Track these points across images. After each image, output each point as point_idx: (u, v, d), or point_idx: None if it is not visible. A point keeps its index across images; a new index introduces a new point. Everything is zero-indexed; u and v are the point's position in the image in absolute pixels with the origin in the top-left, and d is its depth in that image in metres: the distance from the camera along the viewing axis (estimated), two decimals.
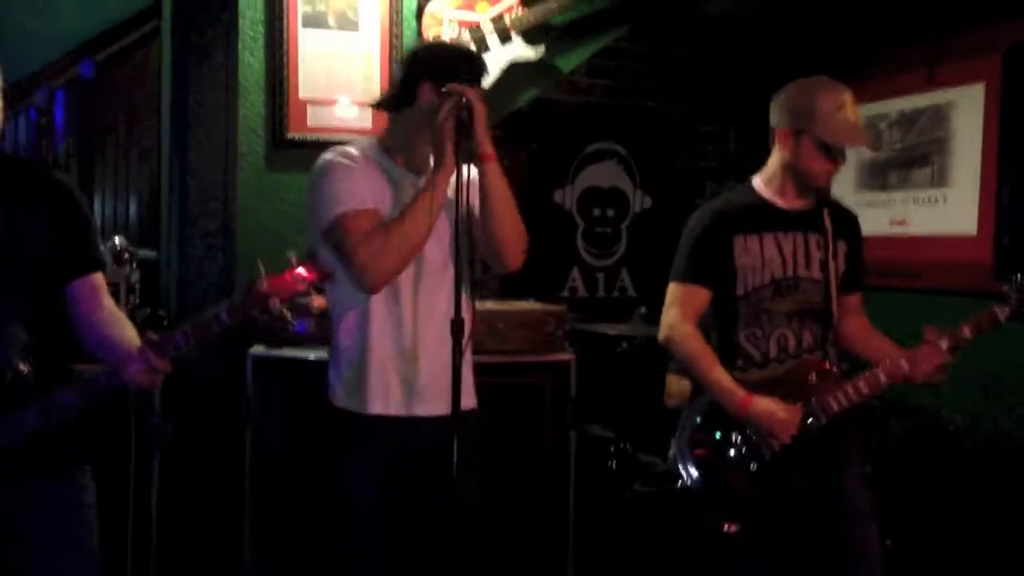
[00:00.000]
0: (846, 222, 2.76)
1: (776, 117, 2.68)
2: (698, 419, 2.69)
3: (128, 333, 2.09)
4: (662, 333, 2.71)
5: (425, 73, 2.34)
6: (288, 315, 2.00)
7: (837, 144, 2.59)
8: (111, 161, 4.44)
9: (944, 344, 2.53)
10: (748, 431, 2.60)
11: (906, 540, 3.81)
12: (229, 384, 3.22)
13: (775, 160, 2.70)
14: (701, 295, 2.68)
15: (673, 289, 2.71)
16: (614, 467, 3.71)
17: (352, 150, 2.40)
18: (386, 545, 2.39)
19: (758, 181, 2.74)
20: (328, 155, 2.39)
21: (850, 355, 2.79)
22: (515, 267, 2.46)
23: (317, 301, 2.00)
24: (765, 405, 2.55)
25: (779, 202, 2.69)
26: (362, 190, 2.32)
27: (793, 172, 2.65)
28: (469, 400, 2.48)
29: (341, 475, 2.39)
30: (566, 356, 3.57)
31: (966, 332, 2.53)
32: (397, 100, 2.40)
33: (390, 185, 2.38)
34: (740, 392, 2.57)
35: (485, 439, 2.50)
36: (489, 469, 2.52)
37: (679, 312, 2.67)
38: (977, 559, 3.31)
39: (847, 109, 2.60)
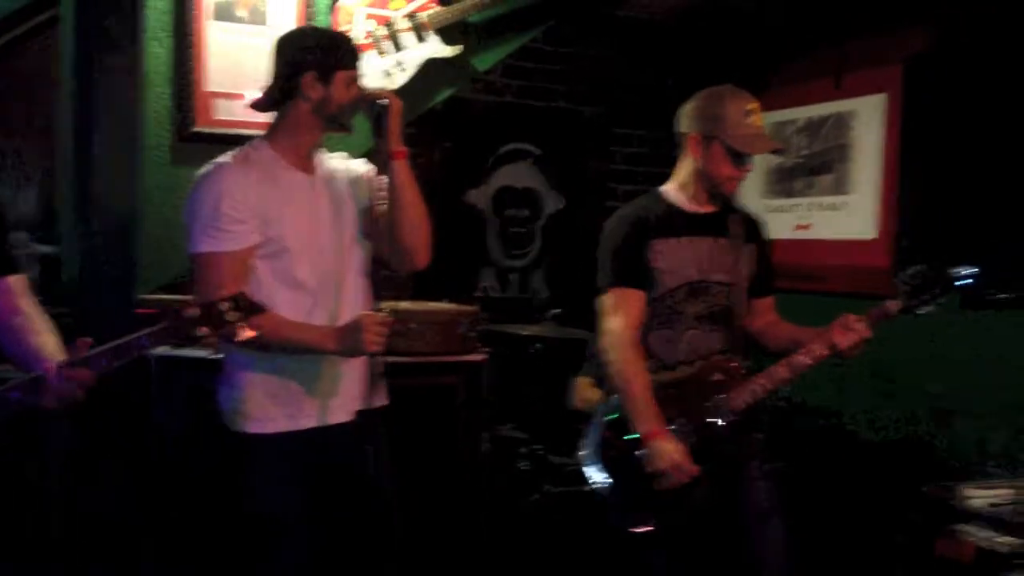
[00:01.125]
0: (753, 227, 2.82)
1: (686, 124, 2.72)
2: (608, 420, 2.72)
3: (48, 342, 2.01)
4: (603, 340, 2.69)
5: (306, 63, 2.31)
6: (214, 344, 1.95)
7: (745, 151, 2.65)
8: (9, 154, 4.27)
9: (864, 323, 2.58)
10: (646, 462, 2.60)
11: (810, 535, 3.91)
12: (132, 384, 3.13)
13: (686, 166, 2.75)
14: (637, 297, 2.68)
15: (607, 298, 2.70)
16: (525, 468, 3.72)
17: (245, 159, 2.34)
18: (308, 557, 2.35)
19: (669, 187, 2.79)
20: (218, 168, 2.32)
21: (765, 352, 2.83)
22: (420, 267, 2.45)
23: (246, 332, 1.95)
24: (670, 447, 2.56)
25: (690, 207, 2.74)
26: (242, 220, 2.26)
27: (703, 178, 2.70)
28: (381, 399, 2.46)
29: (256, 497, 2.35)
30: (479, 357, 3.57)
31: (865, 325, 2.59)
32: (282, 95, 2.36)
33: (280, 188, 2.34)
34: (654, 423, 2.58)
35: (391, 439, 2.49)
36: (398, 472, 2.51)
37: (622, 319, 2.66)
38: (876, 552, 3.43)
39: (754, 117, 2.66)
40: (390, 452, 2.49)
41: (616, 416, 2.70)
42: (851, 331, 2.57)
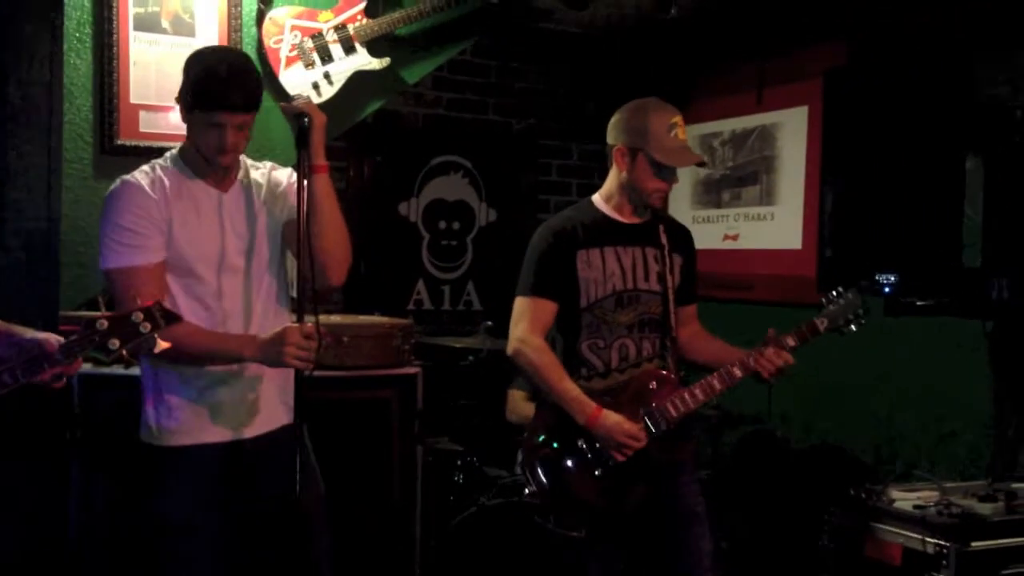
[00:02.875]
0: (680, 237, 2.87)
1: (612, 136, 2.76)
2: (543, 430, 2.73)
3: None
4: (511, 346, 2.73)
5: (181, 89, 2.29)
6: (127, 355, 1.90)
7: (669, 164, 2.69)
8: None
9: (789, 343, 2.66)
10: (592, 440, 2.65)
11: (740, 540, 3.97)
12: (54, 402, 3.03)
13: (613, 178, 2.79)
14: (548, 308, 2.72)
15: (520, 304, 2.74)
16: (461, 480, 3.70)
17: (154, 175, 2.32)
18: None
19: (598, 197, 2.82)
20: (124, 184, 2.30)
21: (688, 362, 2.89)
22: (338, 283, 2.42)
23: (161, 343, 1.92)
24: (614, 419, 2.62)
25: (618, 218, 2.78)
26: (147, 235, 2.25)
27: (630, 189, 2.74)
28: (286, 416, 2.43)
29: (164, 511, 2.32)
30: (412, 369, 3.55)
31: (791, 341, 2.68)
32: (185, 110, 2.33)
33: (187, 202, 2.32)
34: (591, 405, 2.63)
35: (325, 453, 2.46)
36: (332, 485, 2.48)
37: (527, 326, 2.71)
38: (804, 555, 3.49)
39: (678, 130, 2.71)
40: (317, 467, 2.46)
41: (549, 425, 2.72)
42: (776, 360, 2.64)
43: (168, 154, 2.39)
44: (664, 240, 2.78)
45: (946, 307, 3.49)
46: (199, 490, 2.32)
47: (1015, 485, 3.16)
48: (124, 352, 1.89)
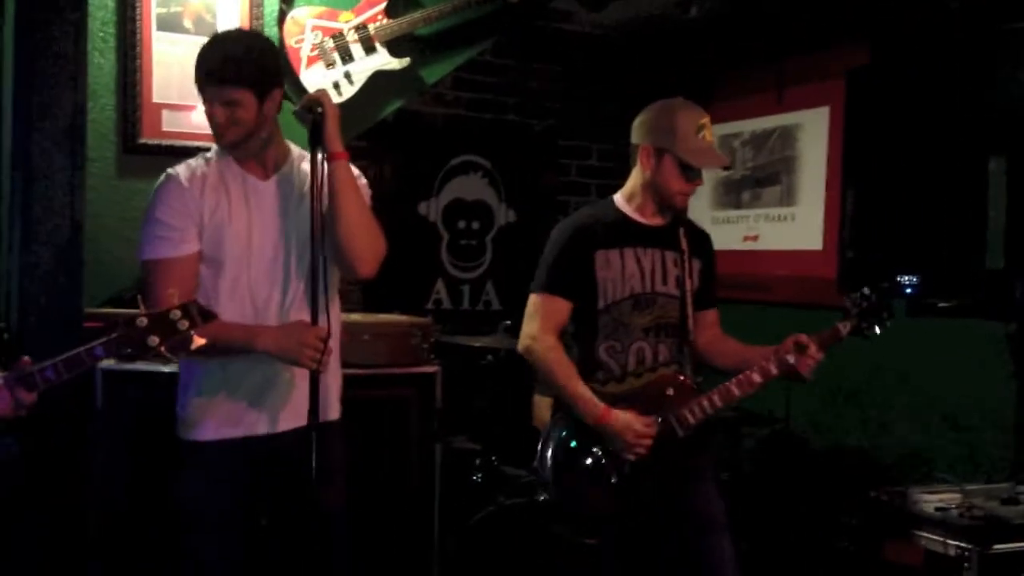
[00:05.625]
0: (701, 241, 2.84)
1: (638, 135, 2.73)
2: (561, 433, 2.71)
3: None
4: (522, 343, 2.72)
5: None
6: (166, 352, 1.95)
7: (696, 165, 2.66)
8: None
9: (813, 352, 2.62)
10: (608, 444, 2.63)
11: (759, 542, 3.95)
12: (77, 398, 3.06)
13: (636, 178, 2.75)
14: (562, 307, 2.70)
15: (534, 300, 2.72)
16: (479, 480, 3.71)
17: (196, 167, 2.36)
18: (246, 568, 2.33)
19: (619, 197, 2.79)
20: (166, 178, 2.36)
21: (707, 367, 2.86)
22: (368, 274, 2.40)
23: (197, 340, 1.95)
24: (623, 418, 2.59)
25: (639, 218, 2.75)
26: (181, 228, 2.29)
27: (653, 190, 2.71)
28: (333, 412, 2.44)
29: (192, 502, 2.34)
30: (431, 368, 3.55)
31: (814, 350, 2.62)
32: None
33: (241, 195, 2.34)
34: (600, 405, 2.61)
35: (344, 452, 2.46)
36: (351, 483, 2.49)
37: (539, 324, 2.68)
38: (825, 558, 3.47)
39: (705, 131, 2.68)
40: (343, 466, 2.46)
41: (567, 428, 2.70)
42: (807, 356, 2.60)
43: (215, 149, 2.43)
44: (684, 244, 2.75)
45: (968, 309, 3.46)
46: (222, 486, 2.33)
47: None
48: (163, 349, 1.93)
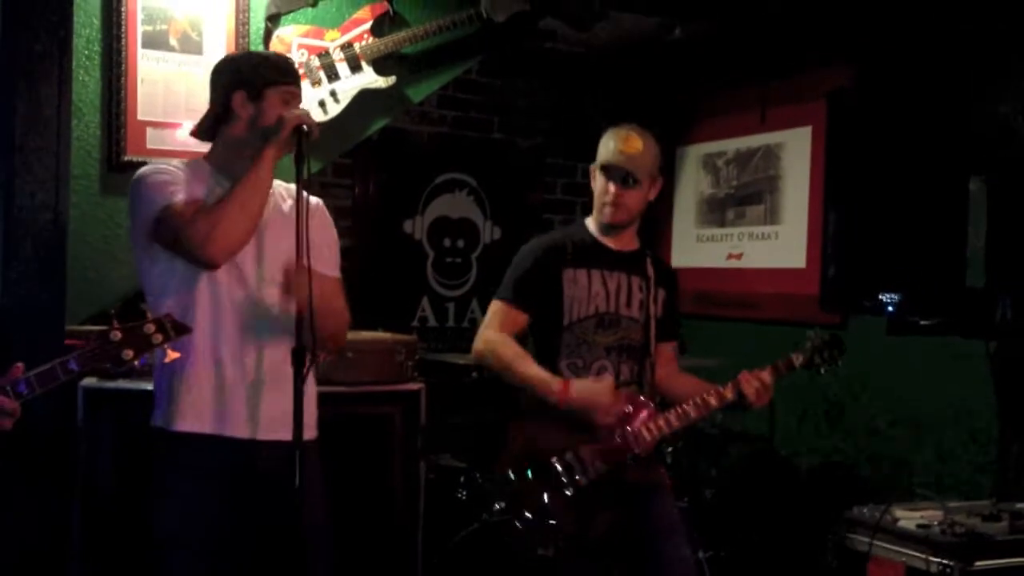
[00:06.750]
0: (666, 273, 2.94)
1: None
2: (517, 445, 2.75)
3: None
4: (476, 345, 2.79)
5: (235, 84, 2.32)
6: (138, 366, 1.95)
7: (600, 162, 2.76)
8: None
9: (765, 378, 2.70)
10: (565, 457, 2.66)
11: (742, 560, 3.95)
12: (58, 415, 3.04)
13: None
14: (520, 319, 2.79)
15: (495, 307, 2.81)
16: (463, 497, 3.70)
17: (173, 163, 2.39)
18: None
19: (590, 220, 2.89)
20: (144, 167, 2.36)
21: (663, 397, 2.91)
22: (336, 349, 2.44)
23: (171, 354, 1.96)
24: (583, 385, 2.66)
25: (607, 243, 2.82)
26: (185, 187, 2.29)
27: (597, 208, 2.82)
28: (311, 431, 2.42)
29: (168, 505, 2.29)
30: (416, 386, 3.56)
31: (766, 376, 2.71)
32: (216, 121, 2.37)
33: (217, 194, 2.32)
34: (556, 379, 2.67)
35: (322, 472, 2.44)
36: (335, 500, 2.47)
37: (496, 328, 2.77)
38: (805, 575, 3.48)
39: (618, 140, 2.76)
40: (323, 487, 2.44)
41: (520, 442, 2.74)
42: (756, 380, 2.67)
43: (192, 160, 2.46)
44: (650, 271, 2.84)
45: (949, 327, 3.49)
46: (197, 492, 2.28)
47: (1019, 504, 3.14)
48: (135, 363, 1.93)
